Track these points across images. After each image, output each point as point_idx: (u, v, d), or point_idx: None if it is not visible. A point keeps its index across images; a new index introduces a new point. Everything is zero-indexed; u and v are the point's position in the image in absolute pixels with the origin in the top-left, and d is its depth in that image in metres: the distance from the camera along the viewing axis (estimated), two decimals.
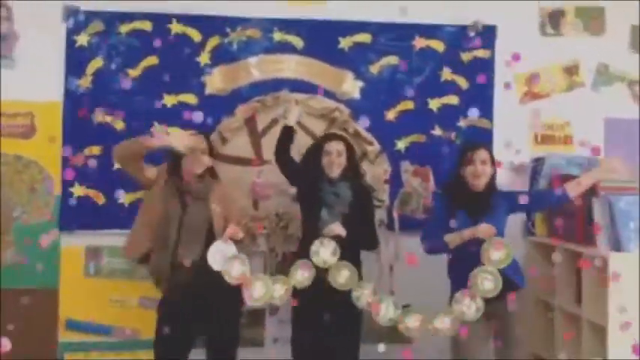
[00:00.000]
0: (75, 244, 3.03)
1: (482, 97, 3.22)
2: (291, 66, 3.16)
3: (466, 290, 2.33)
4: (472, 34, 3.24)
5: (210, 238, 2.43)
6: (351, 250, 2.47)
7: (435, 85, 3.21)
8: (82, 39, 3.05)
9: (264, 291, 2.32)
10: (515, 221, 3.00)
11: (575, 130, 3.33)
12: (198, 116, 2.61)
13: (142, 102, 3.06)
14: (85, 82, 3.05)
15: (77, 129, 3.03)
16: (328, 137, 2.77)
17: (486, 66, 3.24)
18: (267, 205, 3.10)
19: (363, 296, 2.38)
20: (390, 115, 3.21)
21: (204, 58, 3.11)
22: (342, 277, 2.35)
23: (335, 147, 2.66)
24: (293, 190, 2.86)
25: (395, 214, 3.12)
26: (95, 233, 3.01)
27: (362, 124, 3.00)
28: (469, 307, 2.31)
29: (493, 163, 2.58)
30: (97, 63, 3.06)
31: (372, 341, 2.72)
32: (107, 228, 3.00)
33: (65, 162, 2.99)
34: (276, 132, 3.12)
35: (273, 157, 2.75)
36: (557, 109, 3.34)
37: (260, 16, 3.14)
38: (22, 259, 2.91)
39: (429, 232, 2.57)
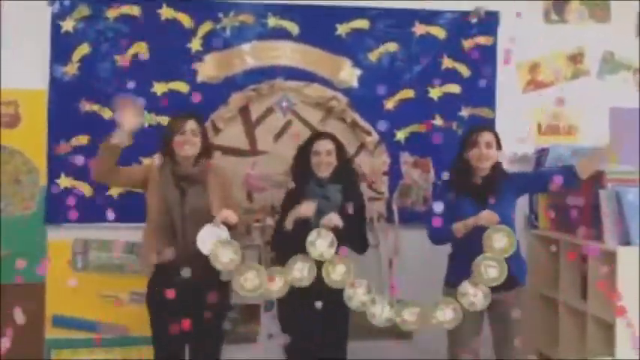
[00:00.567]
0: (62, 237, 2.93)
1: (484, 85, 3.10)
2: (286, 53, 3.05)
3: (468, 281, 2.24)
4: (474, 20, 3.14)
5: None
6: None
7: (436, 73, 3.11)
8: (68, 24, 2.93)
9: (257, 282, 2.21)
10: (517, 214, 2.91)
11: (580, 120, 3.24)
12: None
13: (131, 90, 2.94)
14: (71, 70, 2.93)
15: (63, 118, 2.92)
16: (317, 136, 2.66)
17: (488, 53, 3.14)
18: (262, 197, 3.00)
19: (356, 295, 2.25)
20: (389, 104, 3.11)
21: (195, 45, 3.00)
22: (336, 273, 2.23)
23: (324, 146, 2.56)
24: (289, 182, 2.75)
25: (394, 207, 3.05)
26: (82, 226, 2.90)
27: (380, 127, 2.73)
28: (475, 295, 2.21)
29: (499, 146, 2.49)
30: (83, 49, 2.94)
31: (364, 338, 2.65)
32: (95, 221, 2.90)
33: (51, 152, 2.90)
34: (270, 121, 3.05)
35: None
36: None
37: (254, 1, 3.04)
38: (7, 253, 2.80)
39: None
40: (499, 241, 2.23)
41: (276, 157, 3.00)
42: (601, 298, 2.49)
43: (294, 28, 3.06)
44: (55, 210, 2.91)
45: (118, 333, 2.96)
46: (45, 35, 2.92)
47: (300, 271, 2.23)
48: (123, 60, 2.92)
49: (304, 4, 3.06)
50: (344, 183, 2.57)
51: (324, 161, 2.54)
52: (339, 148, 2.61)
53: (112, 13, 2.94)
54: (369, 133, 3.07)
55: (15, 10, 2.90)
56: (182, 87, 2.99)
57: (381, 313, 2.23)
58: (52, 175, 2.92)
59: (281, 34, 3.05)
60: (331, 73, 3.07)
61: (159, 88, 2.97)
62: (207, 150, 2.51)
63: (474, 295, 2.22)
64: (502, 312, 2.40)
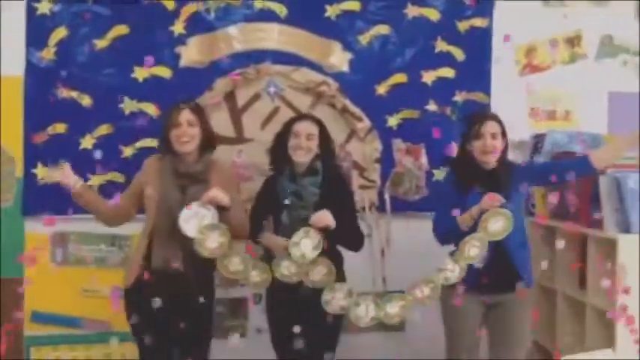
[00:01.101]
0: (40, 230, 2.79)
1: (479, 69, 3.02)
2: (273, 36, 2.93)
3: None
4: (468, 1, 3.03)
5: None
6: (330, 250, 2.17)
7: (429, 56, 3.00)
8: (44, 6, 2.79)
9: (241, 267, 2.07)
10: None
11: (577, 105, 3.15)
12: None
13: (111, 75, 2.83)
14: (47, 54, 2.80)
15: (40, 105, 2.79)
16: (299, 117, 2.43)
17: (484, 36, 3.03)
18: (248, 187, 2.89)
19: (335, 300, 2.07)
20: (381, 89, 3.00)
21: (178, 28, 2.87)
22: (316, 273, 2.07)
23: (305, 129, 2.29)
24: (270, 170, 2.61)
25: (386, 196, 2.97)
26: (61, 218, 2.77)
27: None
28: (453, 270, 2.10)
29: (504, 135, 2.30)
30: (60, 33, 2.81)
31: (355, 331, 2.56)
32: (74, 212, 2.76)
33: (27, 141, 2.77)
34: (257, 107, 2.93)
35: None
36: (559, 82, 3.15)
37: None
38: None
39: (439, 218, 2.30)
40: (495, 223, 2.11)
41: (263, 145, 2.83)
42: (600, 288, 2.41)
43: (282, 9, 2.94)
44: (32, 201, 2.79)
45: (101, 329, 2.86)
46: (20, 18, 2.78)
47: (287, 269, 2.10)
48: (102, 44, 2.80)
49: None
50: (325, 175, 2.31)
51: (303, 145, 2.27)
52: (324, 134, 2.35)
53: None
54: (360, 119, 2.96)
55: None
56: (164, 72, 2.87)
57: (365, 314, 2.08)
58: (29, 165, 2.80)
59: (268, 17, 2.93)
60: (321, 56, 2.96)
61: (140, 73, 2.85)
62: (209, 140, 2.31)
63: (452, 270, 2.10)
64: (500, 315, 2.28)
